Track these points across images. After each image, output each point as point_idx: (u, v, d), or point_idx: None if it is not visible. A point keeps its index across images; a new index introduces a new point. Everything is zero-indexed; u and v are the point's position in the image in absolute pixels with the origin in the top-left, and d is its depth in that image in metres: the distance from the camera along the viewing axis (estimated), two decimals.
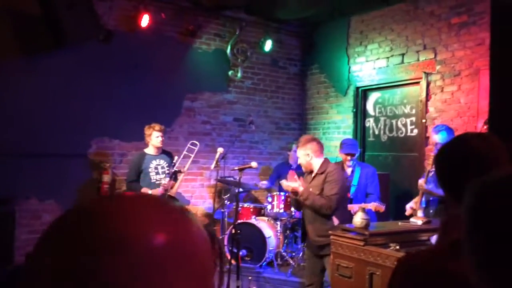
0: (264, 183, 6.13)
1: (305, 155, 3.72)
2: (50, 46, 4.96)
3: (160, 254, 0.50)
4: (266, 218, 5.44)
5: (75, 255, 0.49)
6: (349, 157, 4.59)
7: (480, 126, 4.93)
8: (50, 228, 0.53)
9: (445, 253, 1.13)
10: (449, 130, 4.24)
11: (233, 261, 3.95)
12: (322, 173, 3.69)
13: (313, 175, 3.73)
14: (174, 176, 5.00)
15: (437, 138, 4.15)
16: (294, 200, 3.84)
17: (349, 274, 3.00)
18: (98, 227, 0.50)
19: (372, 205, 4.27)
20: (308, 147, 3.71)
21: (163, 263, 0.50)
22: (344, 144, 4.67)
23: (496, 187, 0.72)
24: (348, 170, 4.63)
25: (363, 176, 4.63)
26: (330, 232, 3.27)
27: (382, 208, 4.29)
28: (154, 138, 4.90)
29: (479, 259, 0.70)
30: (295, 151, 5.94)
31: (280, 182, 3.76)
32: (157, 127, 4.93)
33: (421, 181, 3.81)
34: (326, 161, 3.79)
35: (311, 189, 3.64)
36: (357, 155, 4.75)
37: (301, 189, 3.58)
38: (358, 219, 3.07)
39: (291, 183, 3.63)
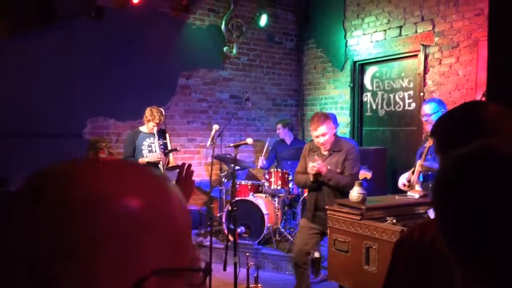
0: (264, 163, 6.06)
1: (331, 129, 3.52)
2: (39, 24, 4.84)
3: (134, 216, 0.50)
4: (264, 195, 5.42)
5: (50, 211, 0.48)
6: None
7: (479, 99, 4.86)
8: (28, 184, 0.51)
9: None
10: (440, 102, 4.06)
11: (230, 238, 3.95)
12: (339, 150, 3.56)
13: (326, 152, 3.59)
14: (168, 153, 4.93)
15: (427, 109, 3.97)
16: (310, 182, 3.58)
17: (345, 249, 3.00)
18: (76, 184, 0.50)
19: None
20: (330, 122, 3.54)
21: (137, 225, 0.50)
22: None
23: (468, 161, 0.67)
24: None
25: None
26: (326, 207, 3.25)
27: (368, 174, 4.29)
28: (150, 125, 4.77)
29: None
30: (279, 129, 5.94)
31: (308, 165, 3.54)
32: (157, 119, 4.64)
33: (419, 162, 3.74)
34: (337, 137, 3.69)
35: (329, 167, 3.53)
36: (336, 129, 4.68)
37: (324, 170, 3.45)
38: (355, 193, 3.04)
39: (315, 163, 3.46)
